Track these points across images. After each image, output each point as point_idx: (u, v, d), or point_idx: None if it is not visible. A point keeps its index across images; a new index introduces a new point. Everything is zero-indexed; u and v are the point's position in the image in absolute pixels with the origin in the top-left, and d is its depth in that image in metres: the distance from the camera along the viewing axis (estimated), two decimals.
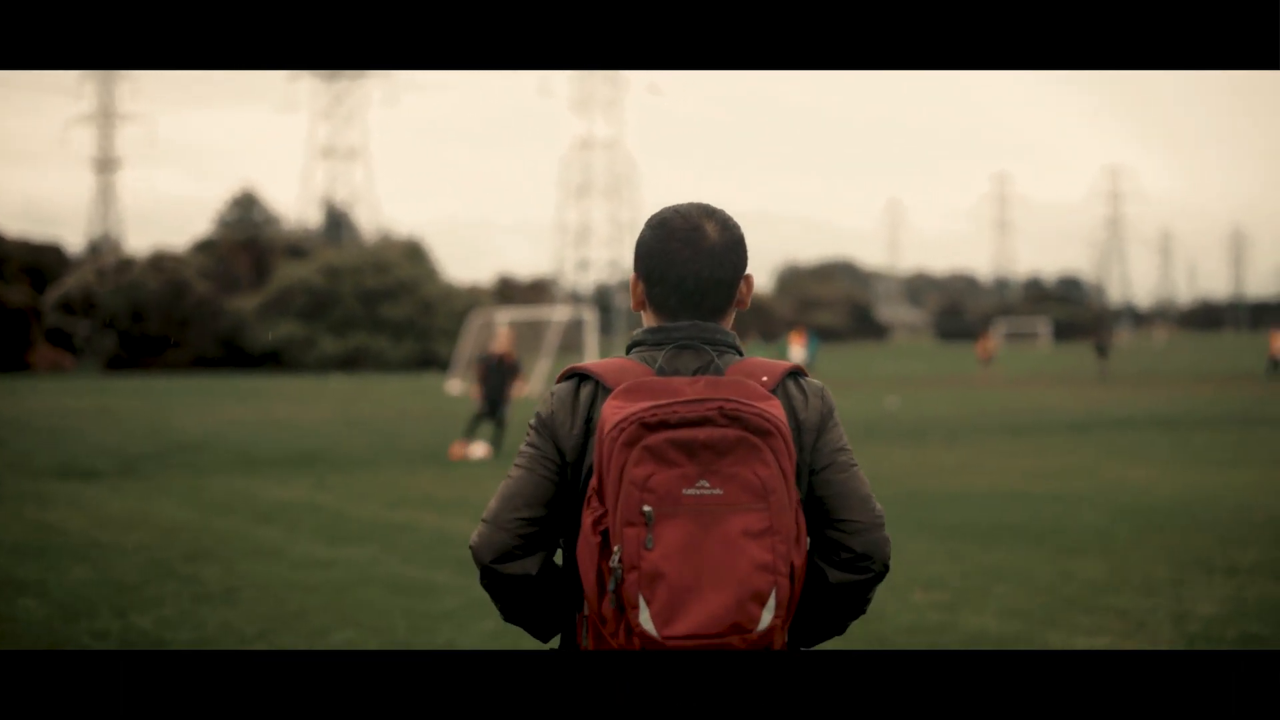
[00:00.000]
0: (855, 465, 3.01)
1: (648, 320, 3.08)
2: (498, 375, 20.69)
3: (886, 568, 2.99)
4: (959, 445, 22.20)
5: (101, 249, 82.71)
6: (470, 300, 66.45)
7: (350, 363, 63.30)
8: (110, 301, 64.29)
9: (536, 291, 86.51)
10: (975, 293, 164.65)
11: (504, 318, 46.08)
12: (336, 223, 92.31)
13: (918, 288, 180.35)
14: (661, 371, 2.93)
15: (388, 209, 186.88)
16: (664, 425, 2.69)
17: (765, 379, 2.94)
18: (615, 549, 2.68)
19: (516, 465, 2.97)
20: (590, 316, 45.69)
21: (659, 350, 2.98)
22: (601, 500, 2.73)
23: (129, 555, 11.40)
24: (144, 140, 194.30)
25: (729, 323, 3.08)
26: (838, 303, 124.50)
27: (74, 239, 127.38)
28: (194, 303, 64.64)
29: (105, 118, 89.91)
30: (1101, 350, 51.30)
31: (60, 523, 13.41)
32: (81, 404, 34.98)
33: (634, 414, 2.71)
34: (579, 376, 2.98)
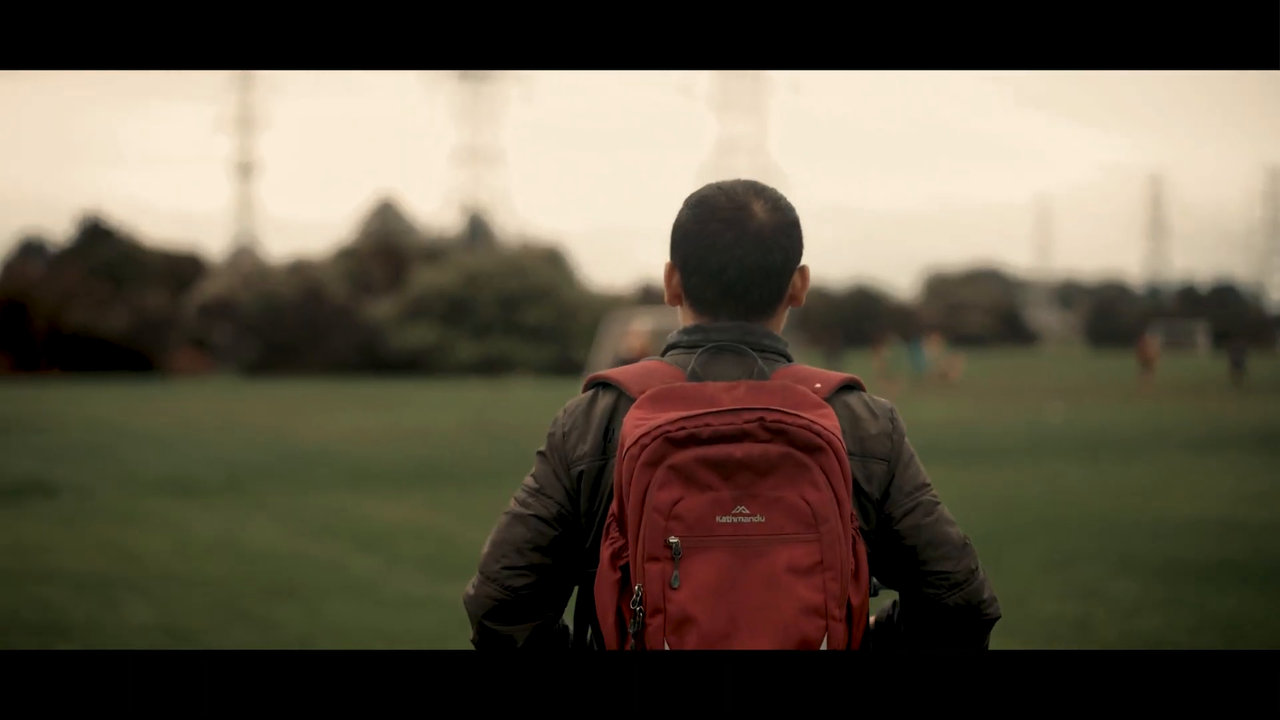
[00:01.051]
0: (940, 504, 2.64)
1: (684, 317, 2.69)
2: None
3: (997, 614, 2.66)
4: (1139, 462, 20.10)
5: (241, 255, 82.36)
6: (610, 305, 64.97)
7: (489, 368, 62.20)
8: (249, 308, 63.92)
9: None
10: (1126, 297, 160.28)
11: (643, 321, 44.54)
12: (476, 228, 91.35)
13: (1067, 292, 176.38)
14: (694, 376, 2.55)
15: (528, 214, 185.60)
16: (693, 440, 2.35)
17: (818, 386, 2.55)
18: (636, 588, 2.35)
19: (515, 500, 2.64)
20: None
21: (694, 353, 2.61)
22: (622, 530, 2.41)
23: (202, 591, 9.90)
24: (284, 145, 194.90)
25: (780, 323, 2.69)
26: (985, 307, 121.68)
27: (215, 245, 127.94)
28: (332, 309, 64.04)
29: (245, 123, 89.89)
30: (1237, 362, 48.49)
31: (140, 548, 11.98)
32: (208, 411, 33.97)
33: (658, 427, 2.37)
34: (599, 386, 2.63)
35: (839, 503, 2.37)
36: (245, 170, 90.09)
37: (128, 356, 60.21)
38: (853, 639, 2.42)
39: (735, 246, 2.58)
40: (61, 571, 10.66)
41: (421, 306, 64.96)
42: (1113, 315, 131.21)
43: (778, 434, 2.35)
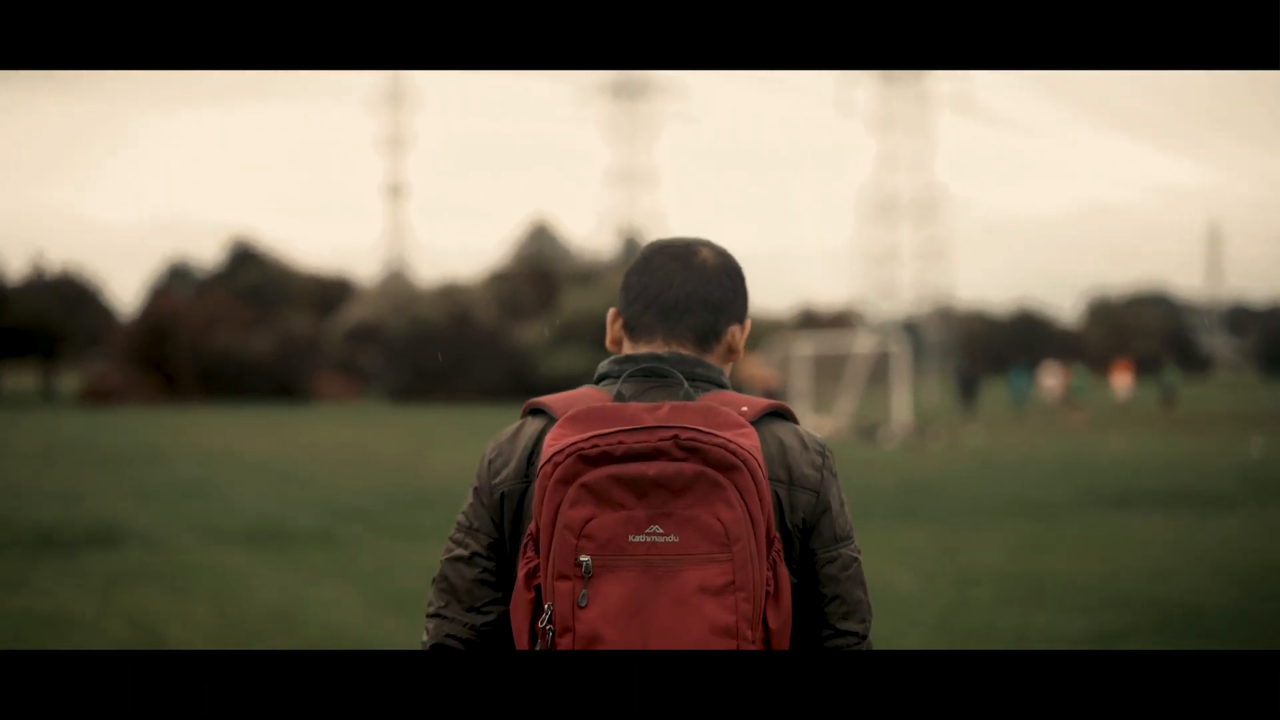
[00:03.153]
0: (859, 560, 2.61)
1: (624, 350, 2.68)
2: None
3: None
4: None
5: (391, 280, 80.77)
6: (769, 329, 62.32)
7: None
8: (396, 332, 62.37)
9: (841, 321, 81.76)
10: None
11: (804, 349, 42.03)
12: (631, 250, 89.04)
13: (1237, 316, 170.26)
14: (620, 398, 2.55)
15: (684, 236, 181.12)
16: (607, 458, 2.35)
17: (744, 409, 2.54)
18: (547, 606, 2.36)
19: (451, 542, 2.62)
20: (900, 348, 40.91)
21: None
22: (537, 549, 2.40)
23: None
24: (433, 166, 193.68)
25: (715, 361, 2.66)
26: (1153, 332, 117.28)
27: (365, 269, 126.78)
28: (480, 333, 62.29)
29: (395, 143, 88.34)
30: None
31: (174, 626, 9.63)
32: (340, 441, 31.98)
33: (572, 444, 2.36)
34: (530, 413, 2.62)
35: (753, 522, 2.36)
36: (395, 191, 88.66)
37: (273, 381, 59.07)
38: None
39: (678, 274, 2.63)
40: None
41: (571, 331, 62.92)
42: None
43: (692, 452, 2.34)
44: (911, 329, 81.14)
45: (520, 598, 2.39)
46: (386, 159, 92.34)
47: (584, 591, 2.31)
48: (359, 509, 16.98)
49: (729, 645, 2.31)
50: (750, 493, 2.34)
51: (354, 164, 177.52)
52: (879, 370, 43.50)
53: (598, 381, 2.62)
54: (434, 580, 2.60)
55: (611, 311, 2.70)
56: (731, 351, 2.69)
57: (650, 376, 2.57)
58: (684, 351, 2.61)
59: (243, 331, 60.55)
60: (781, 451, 2.54)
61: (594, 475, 2.32)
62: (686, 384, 2.55)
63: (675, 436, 2.34)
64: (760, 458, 2.39)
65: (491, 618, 2.56)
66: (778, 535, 2.43)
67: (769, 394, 15.69)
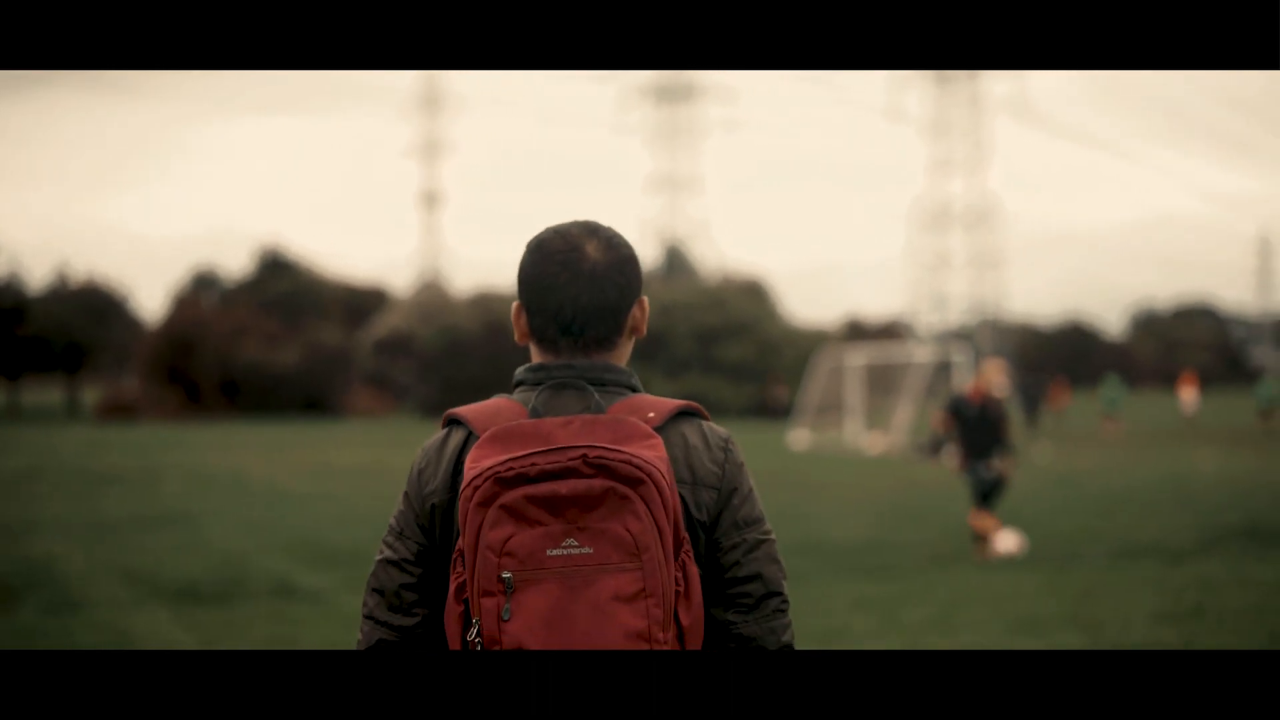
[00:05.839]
0: (767, 541, 2.67)
1: (533, 354, 2.75)
2: (978, 427, 13.85)
3: (784, 646, 2.67)
4: None
5: (425, 290, 78.14)
6: (816, 341, 59.49)
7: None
8: (428, 343, 59.76)
9: (889, 332, 78.78)
10: None
11: (856, 359, 39.26)
12: (673, 260, 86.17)
13: None
14: (535, 413, 2.61)
15: (729, 248, 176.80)
16: (522, 479, 2.43)
17: (651, 416, 2.62)
18: (474, 621, 2.43)
19: (383, 544, 2.69)
20: (961, 357, 38.06)
21: (537, 390, 2.67)
22: (465, 565, 2.48)
23: None
24: (472, 173, 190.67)
25: (623, 356, 2.75)
26: (1202, 346, 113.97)
27: (398, 279, 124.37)
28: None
29: (431, 149, 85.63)
30: None
31: None
32: (353, 461, 29.36)
33: (489, 469, 2.44)
34: (452, 424, 2.69)
35: (660, 531, 2.43)
36: (431, 199, 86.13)
37: (302, 395, 56.71)
38: None
39: (570, 286, 2.64)
40: None
41: None
42: None
43: (600, 469, 2.42)
44: (965, 340, 78.15)
45: (452, 610, 2.48)
46: (422, 166, 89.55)
47: (507, 606, 2.39)
48: (342, 550, 14.18)
49: (641, 648, 2.41)
50: (655, 503, 2.42)
51: (390, 172, 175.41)
52: (936, 383, 40.70)
53: (515, 387, 2.69)
54: (368, 579, 2.67)
55: (515, 306, 2.73)
56: (634, 331, 2.74)
57: (563, 388, 2.63)
58: (593, 359, 2.67)
59: (270, 343, 58.15)
60: (686, 453, 2.62)
61: (511, 496, 2.40)
62: (596, 395, 2.61)
63: (584, 455, 2.41)
64: (664, 467, 2.46)
65: (417, 620, 2.62)
66: (686, 536, 2.51)
67: (996, 412, 13.49)
